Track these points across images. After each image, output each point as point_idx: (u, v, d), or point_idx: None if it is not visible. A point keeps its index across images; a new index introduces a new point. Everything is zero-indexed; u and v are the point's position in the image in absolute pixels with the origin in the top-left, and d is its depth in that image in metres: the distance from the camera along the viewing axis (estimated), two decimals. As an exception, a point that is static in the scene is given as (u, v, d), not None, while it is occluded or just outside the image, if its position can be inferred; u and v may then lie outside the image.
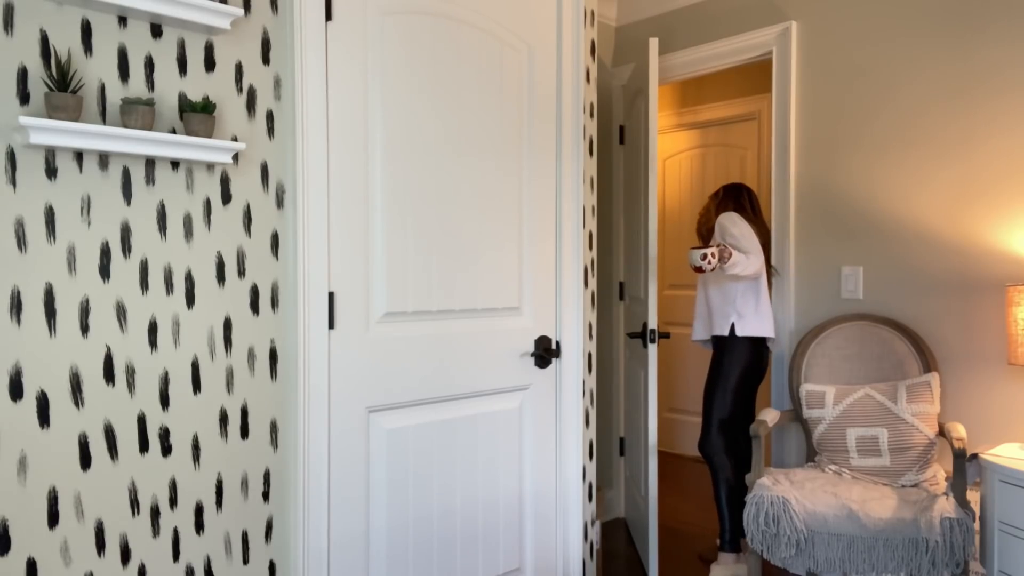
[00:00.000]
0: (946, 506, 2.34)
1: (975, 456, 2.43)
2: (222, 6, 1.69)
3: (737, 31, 3.38)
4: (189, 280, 1.76)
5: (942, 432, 2.64)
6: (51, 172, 1.56)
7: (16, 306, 1.53)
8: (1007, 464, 2.28)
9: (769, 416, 2.80)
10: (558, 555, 2.57)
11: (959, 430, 2.52)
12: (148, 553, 1.72)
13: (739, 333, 3.05)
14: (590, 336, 2.68)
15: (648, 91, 3.01)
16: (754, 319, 3.07)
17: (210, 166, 1.79)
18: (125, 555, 1.68)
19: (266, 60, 1.87)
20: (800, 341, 3.00)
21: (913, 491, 2.54)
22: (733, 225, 3.10)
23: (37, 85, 1.54)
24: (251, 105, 1.85)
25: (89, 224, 1.62)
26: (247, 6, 1.83)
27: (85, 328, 1.61)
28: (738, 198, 3.30)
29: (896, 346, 2.84)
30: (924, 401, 2.63)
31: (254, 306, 1.87)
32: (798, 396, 2.88)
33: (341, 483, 2.02)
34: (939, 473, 2.65)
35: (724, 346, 3.11)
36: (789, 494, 2.48)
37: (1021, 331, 2.37)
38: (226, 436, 1.83)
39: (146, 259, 1.70)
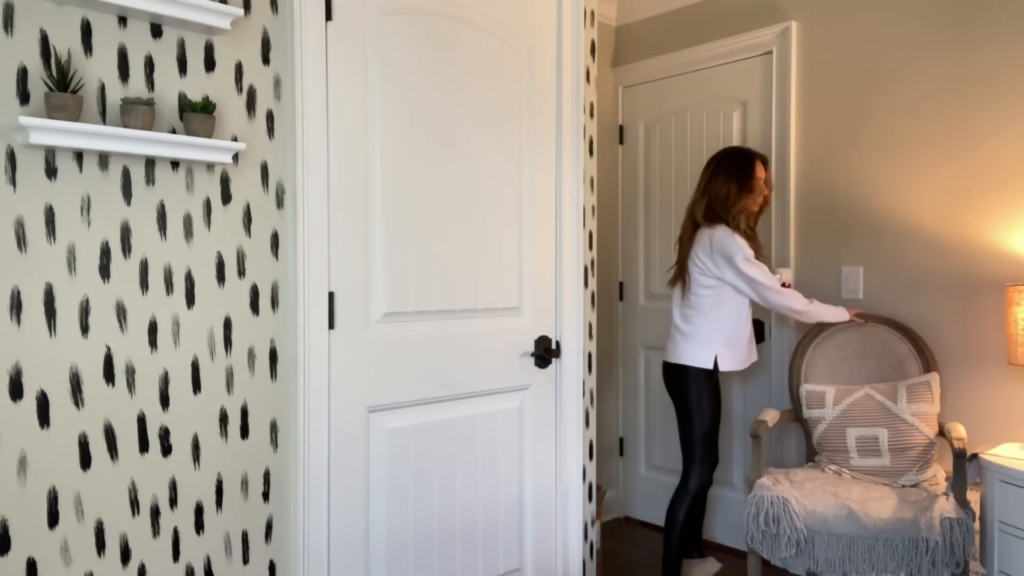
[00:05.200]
0: (946, 506, 2.33)
1: (975, 456, 2.42)
2: (222, 6, 1.69)
3: (737, 31, 3.38)
4: (189, 280, 1.76)
5: (942, 432, 2.64)
6: (51, 172, 1.56)
7: (16, 306, 1.53)
8: (1007, 464, 2.27)
9: (769, 416, 2.78)
10: (558, 555, 2.57)
11: (959, 430, 2.51)
12: (148, 553, 1.72)
13: (723, 368, 2.83)
14: (590, 336, 2.68)
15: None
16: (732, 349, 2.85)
17: (210, 166, 1.79)
18: (125, 555, 1.68)
19: (266, 60, 1.87)
20: (800, 341, 2.98)
21: (913, 491, 2.54)
22: (738, 249, 2.73)
23: (37, 85, 1.54)
24: (251, 105, 1.85)
25: (89, 224, 1.62)
26: (247, 6, 1.83)
27: (85, 328, 1.61)
28: (744, 180, 2.82)
29: (896, 346, 2.83)
30: (924, 401, 2.63)
31: (254, 306, 1.87)
32: (798, 396, 2.86)
33: (341, 483, 2.02)
34: (939, 473, 2.65)
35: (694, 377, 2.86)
36: (789, 494, 2.47)
37: (1021, 331, 2.37)
38: (226, 436, 1.83)
39: (146, 259, 1.70)
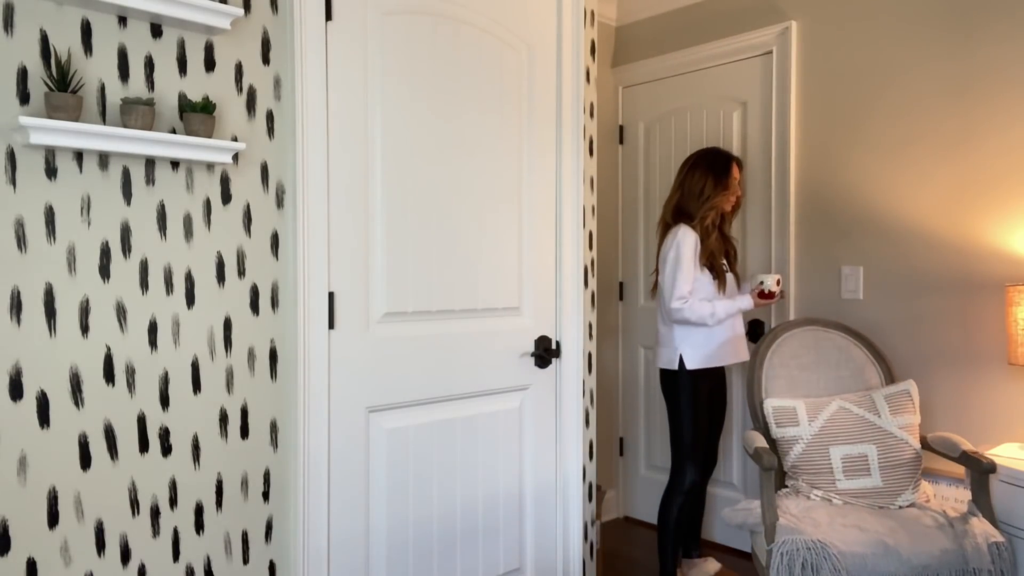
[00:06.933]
0: (987, 529, 2.18)
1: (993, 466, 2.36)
2: (222, 6, 1.69)
3: (737, 31, 3.38)
4: (189, 280, 1.76)
5: (923, 444, 2.50)
6: (51, 172, 1.56)
7: (16, 306, 1.53)
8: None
9: (758, 441, 2.47)
10: (558, 555, 2.57)
11: (966, 442, 2.37)
12: (148, 553, 1.72)
13: (689, 366, 2.84)
14: (590, 336, 2.68)
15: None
16: (703, 348, 2.86)
17: (210, 166, 1.79)
18: (125, 555, 1.68)
19: (266, 60, 1.87)
20: (756, 351, 2.76)
21: (918, 512, 2.34)
22: (676, 246, 2.79)
23: (37, 85, 1.54)
24: (251, 105, 1.85)
25: (89, 224, 1.62)
26: (247, 6, 1.83)
27: (85, 328, 1.61)
28: (720, 177, 2.87)
29: (853, 353, 2.73)
30: (907, 412, 2.49)
31: (254, 306, 1.87)
32: (763, 413, 2.60)
33: (341, 483, 2.02)
34: (928, 489, 2.50)
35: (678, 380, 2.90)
36: (818, 535, 2.18)
37: (1021, 331, 2.36)
38: (226, 436, 1.83)
39: (146, 259, 1.70)
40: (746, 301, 2.85)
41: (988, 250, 2.67)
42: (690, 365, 2.85)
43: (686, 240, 2.82)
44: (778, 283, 2.84)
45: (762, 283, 2.84)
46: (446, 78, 2.21)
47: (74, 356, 1.60)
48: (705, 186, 2.87)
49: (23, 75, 1.52)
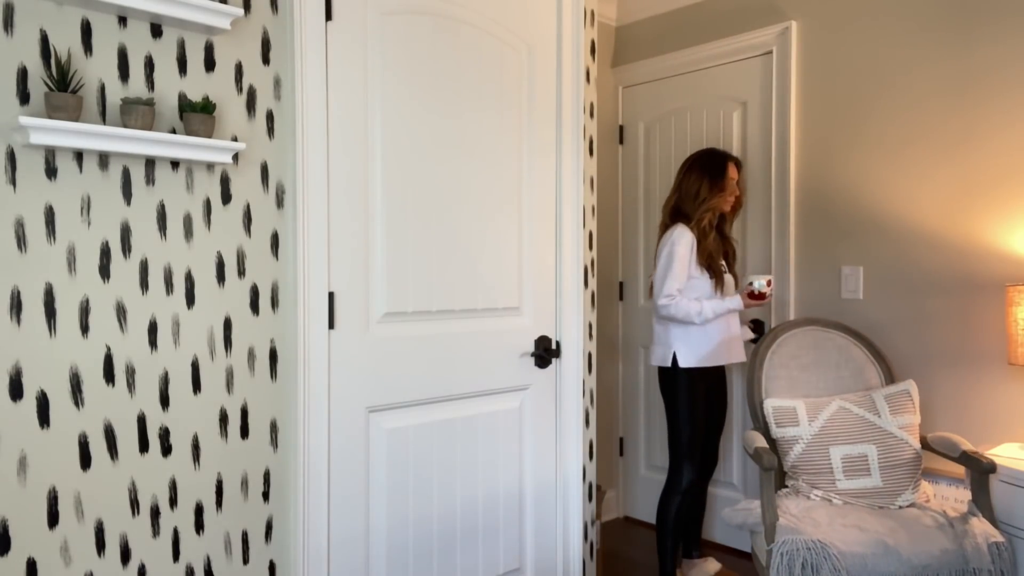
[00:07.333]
0: (988, 529, 2.18)
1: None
2: (222, 6, 1.69)
3: (737, 31, 3.38)
4: (189, 280, 1.76)
5: (923, 444, 2.50)
6: (51, 172, 1.56)
7: (16, 306, 1.53)
8: (1007, 464, 2.27)
9: (758, 441, 2.46)
10: (558, 555, 2.57)
11: (966, 442, 2.37)
12: (148, 553, 1.72)
13: (683, 364, 2.86)
14: (590, 336, 2.68)
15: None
16: (700, 346, 2.87)
17: (210, 166, 1.79)
18: (125, 555, 1.68)
19: (266, 60, 1.87)
20: (756, 352, 2.76)
21: (918, 512, 2.34)
22: (671, 244, 2.82)
23: (37, 85, 1.54)
24: (251, 105, 1.85)
25: (89, 224, 1.62)
26: (247, 6, 1.83)
27: (85, 328, 1.61)
28: (715, 178, 2.89)
29: (853, 353, 2.73)
30: (908, 412, 2.49)
31: (254, 306, 1.87)
32: (763, 413, 2.60)
33: (341, 483, 2.02)
34: (928, 489, 2.50)
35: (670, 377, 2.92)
36: (818, 534, 2.18)
37: (1021, 331, 2.36)
38: (226, 436, 1.83)
39: (146, 259, 1.70)
40: (735, 301, 2.86)
41: (988, 250, 2.67)
42: (683, 363, 2.86)
43: (682, 240, 2.83)
44: (769, 284, 2.81)
45: (751, 284, 2.82)
46: (446, 78, 2.21)
47: (74, 356, 1.60)
48: (701, 188, 2.89)
49: (23, 75, 1.52)
